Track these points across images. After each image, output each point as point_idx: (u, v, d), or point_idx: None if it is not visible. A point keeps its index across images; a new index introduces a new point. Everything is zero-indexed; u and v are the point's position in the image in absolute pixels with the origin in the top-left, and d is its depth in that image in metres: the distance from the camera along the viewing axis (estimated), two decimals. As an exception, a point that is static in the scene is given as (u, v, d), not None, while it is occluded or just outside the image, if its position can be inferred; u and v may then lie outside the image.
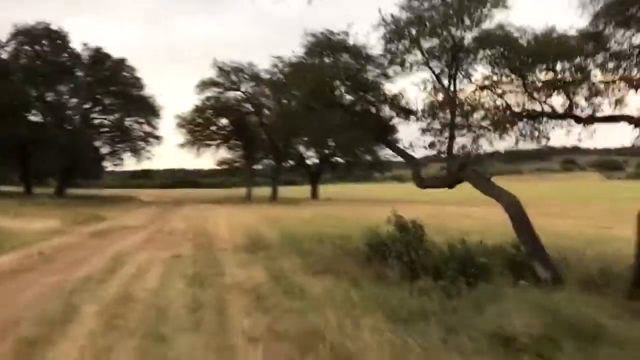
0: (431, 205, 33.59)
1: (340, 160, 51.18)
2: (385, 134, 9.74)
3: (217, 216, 20.28)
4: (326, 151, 48.25)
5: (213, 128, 37.96)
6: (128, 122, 33.81)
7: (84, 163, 31.48)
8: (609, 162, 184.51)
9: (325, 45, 9.29)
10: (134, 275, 7.30)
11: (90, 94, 31.48)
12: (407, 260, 6.50)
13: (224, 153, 48.14)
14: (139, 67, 37.93)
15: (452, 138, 8.30)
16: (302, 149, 49.57)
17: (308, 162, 50.26)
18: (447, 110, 8.36)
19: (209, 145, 38.52)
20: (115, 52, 33.86)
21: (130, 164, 38.88)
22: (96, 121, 33.51)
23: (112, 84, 31.88)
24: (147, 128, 34.60)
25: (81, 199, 31.76)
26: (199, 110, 35.99)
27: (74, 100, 30.70)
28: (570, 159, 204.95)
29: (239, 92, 34.39)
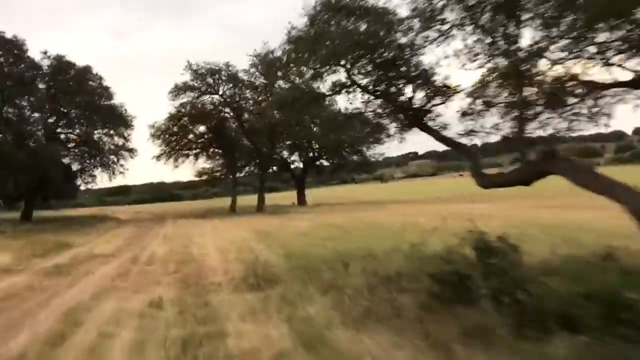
0: (430, 204, 31.74)
1: (325, 162, 49.02)
2: (420, 119, 7.49)
3: (202, 234, 17.75)
4: (312, 154, 46.04)
5: (190, 137, 35.26)
6: (97, 134, 30.90)
7: (53, 183, 28.51)
8: (587, 149, 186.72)
9: (338, 8, 7.00)
10: (89, 350, 4.83)
11: (54, 107, 28.55)
12: (510, 301, 4.22)
13: (203, 163, 45.65)
14: (107, 77, 34.91)
15: (524, 119, 6.11)
16: (285, 153, 47.43)
17: (292, 166, 48.06)
18: (515, 83, 6.18)
19: (187, 156, 35.80)
20: (80, 62, 31.03)
21: (105, 180, 35.38)
22: (62, 136, 30.49)
23: (77, 94, 28.97)
24: (118, 140, 31.80)
25: (50, 223, 28.80)
26: (173, 118, 33.28)
27: (36, 115, 27.75)
28: (550, 150, 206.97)
29: (216, 96, 31.87)
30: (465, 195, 40.67)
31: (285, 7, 44.00)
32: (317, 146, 46.05)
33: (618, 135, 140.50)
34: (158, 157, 35.16)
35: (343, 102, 8.62)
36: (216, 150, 36.42)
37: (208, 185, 51.58)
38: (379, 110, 8.21)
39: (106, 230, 21.48)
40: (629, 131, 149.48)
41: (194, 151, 35.96)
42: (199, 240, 15.37)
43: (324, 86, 7.94)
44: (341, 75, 7.70)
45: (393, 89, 7.80)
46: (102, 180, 33.27)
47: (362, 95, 7.76)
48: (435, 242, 7.54)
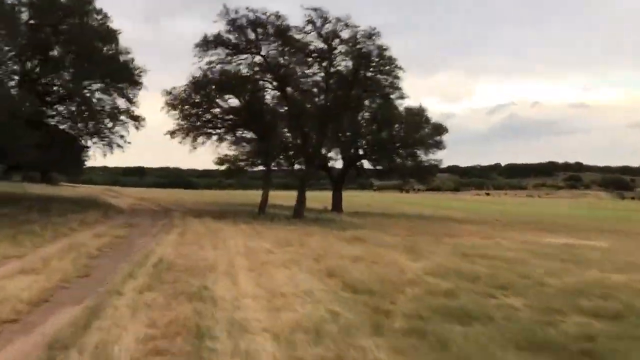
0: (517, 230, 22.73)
1: (367, 164, 40.23)
2: None
3: (228, 265, 9.07)
4: (360, 152, 37.38)
5: (216, 111, 26.65)
6: (92, 91, 22.42)
7: (22, 149, 20.19)
8: (617, 180, 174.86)
9: None
10: None
11: (36, 44, 20.22)
12: None
13: (227, 148, 37.07)
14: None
15: None
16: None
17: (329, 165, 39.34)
18: None
19: (208, 136, 27.18)
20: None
21: (98, 156, 26.74)
22: (40, 88, 22.01)
23: (70, 32, 20.66)
24: (120, 102, 23.38)
25: (24, 205, 20.48)
26: (197, 84, 24.71)
27: (8, 49, 19.29)
28: (575, 176, 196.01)
29: (257, 57, 23.28)
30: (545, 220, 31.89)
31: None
32: (365, 143, 37.36)
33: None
34: (172, 134, 26.57)
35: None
36: (244, 133, 27.78)
37: (229, 176, 42.88)
38: None
39: (65, 234, 12.82)
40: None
41: (218, 131, 27.32)
42: (223, 293, 6.70)
43: None
44: None
45: None
46: (94, 155, 24.78)
47: None
48: None
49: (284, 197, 36.27)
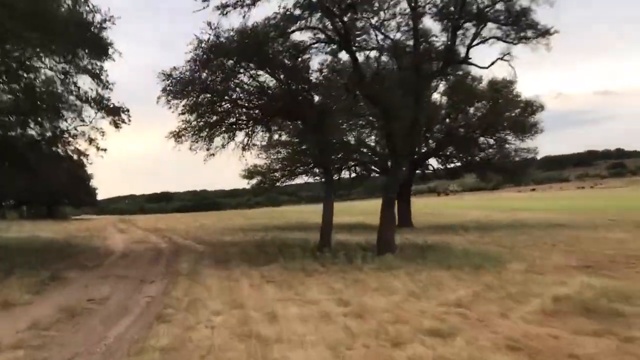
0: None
1: (435, 162, 30.65)
2: None
3: None
4: (431, 144, 27.93)
5: (238, 97, 17.43)
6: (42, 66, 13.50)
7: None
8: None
9: None
10: None
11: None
12: None
13: (256, 157, 27.89)
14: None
15: None
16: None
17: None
18: None
19: (231, 133, 18.02)
20: None
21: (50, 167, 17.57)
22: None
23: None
24: (83, 84, 14.43)
25: None
26: (210, 47, 15.38)
27: None
28: (618, 163, 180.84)
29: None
30: None
31: None
32: (438, 132, 27.82)
33: None
34: (177, 136, 17.43)
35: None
36: (283, 124, 18.62)
37: (259, 192, 34.09)
38: None
39: None
40: None
41: (244, 125, 18.11)
42: None
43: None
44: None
45: None
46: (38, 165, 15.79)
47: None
48: None
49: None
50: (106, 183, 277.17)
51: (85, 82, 14.08)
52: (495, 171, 28.92)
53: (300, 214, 49.98)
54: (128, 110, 15.01)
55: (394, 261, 11.68)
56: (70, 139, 14.94)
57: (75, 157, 16.30)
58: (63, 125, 14.60)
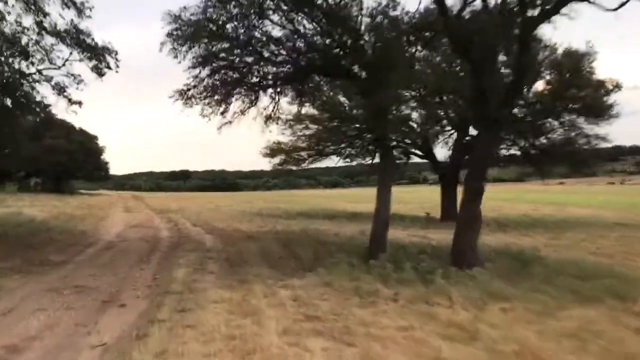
0: None
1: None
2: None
3: None
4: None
5: (263, 44, 13.25)
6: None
7: None
8: None
9: None
10: None
11: None
12: None
13: (280, 135, 23.78)
14: None
15: None
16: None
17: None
18: None
19: (251, 94, 13.99)
20: None
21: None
22: None
23: None
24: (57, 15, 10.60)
25: None
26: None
27: None
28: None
29: None
30: None
31: None
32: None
33: None
34: (186, 97, 13.47)
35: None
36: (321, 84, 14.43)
37: (279, 173, 30.07)
38: None
39: None
40: None
41: (270, 86, 14.01)
42: None
43: None
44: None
45: None
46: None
47: None
48: None
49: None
50: (126, 158, 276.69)
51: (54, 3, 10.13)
52: (559, 160, 24.25)
53: (322, 199, 45.94)
54: (116, 53, 11.05)
55: (491, 282, 7.57)
56: (33, 84, 11.11)
57: (37, 109, 12.46)
58: (23, 66, 10.76)
